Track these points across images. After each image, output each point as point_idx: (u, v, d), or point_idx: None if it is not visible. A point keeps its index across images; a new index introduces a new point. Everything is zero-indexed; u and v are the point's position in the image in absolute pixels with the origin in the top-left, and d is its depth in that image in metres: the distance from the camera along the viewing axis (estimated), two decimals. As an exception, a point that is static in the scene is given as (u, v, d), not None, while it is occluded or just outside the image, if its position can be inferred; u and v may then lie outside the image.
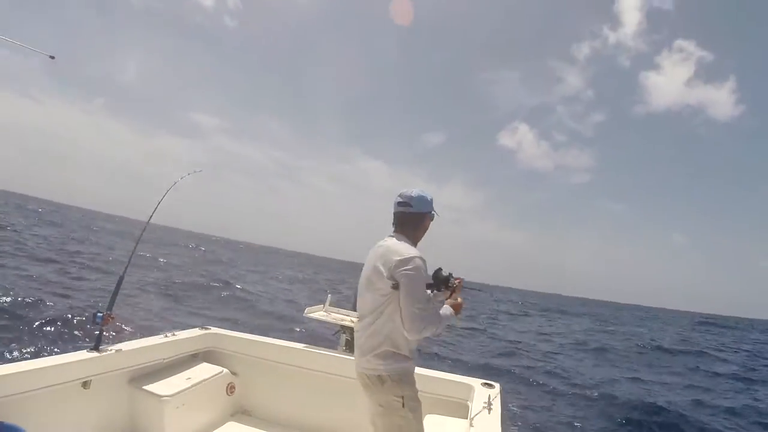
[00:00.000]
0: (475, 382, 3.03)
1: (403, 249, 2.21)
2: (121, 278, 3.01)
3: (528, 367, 8.41)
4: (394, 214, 2.38)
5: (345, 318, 3.77)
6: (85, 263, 14.57)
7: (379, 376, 2.24)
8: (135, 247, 3.19)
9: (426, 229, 2.40)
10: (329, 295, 4.00)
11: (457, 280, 2.50)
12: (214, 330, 3.74)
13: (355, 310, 3.79)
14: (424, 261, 2.19)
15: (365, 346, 2.28)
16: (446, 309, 2.32)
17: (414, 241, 2.35)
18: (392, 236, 2.36)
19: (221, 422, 3.40)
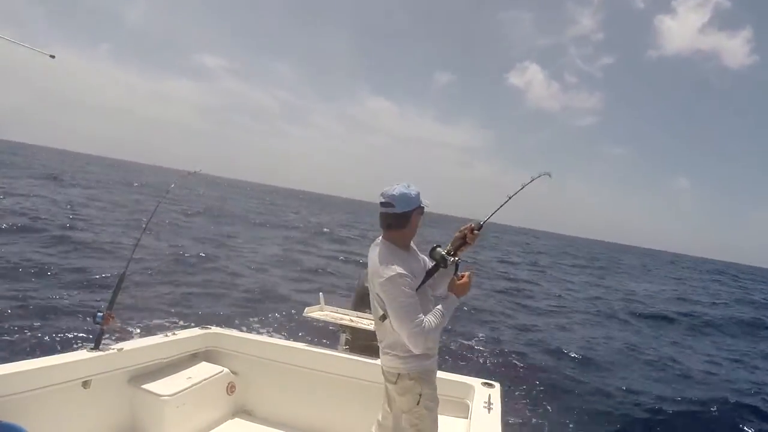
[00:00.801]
0: (475, 382, 3.03)
1: (382, 269, 2.16)
2: (122, 277, 3.02)
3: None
4: (380, 215, 2.28)
5: (344, 317, 3.77)
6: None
7: (398, 374, 2.30)
8: (136, 245, 3.19)
9: (416, 226, 2.30)
10: (321, 294, 4.00)
11: (454, 260, 2.34)
12: (214, 329, 3.75)
13: (354, 309, 3.79)
14: (402, 269, 2.13)
15: (385, 345, 2.33)
16: (448, 300, 2.30)
17: (404, 243, 2.30)
18: (379, 244, 2.31)
19: (221, 422, 3.40)
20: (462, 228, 2.37)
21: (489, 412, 2.61)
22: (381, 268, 2.17)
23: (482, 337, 8.59)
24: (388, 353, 2.32)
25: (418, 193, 2.27)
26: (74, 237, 13.27)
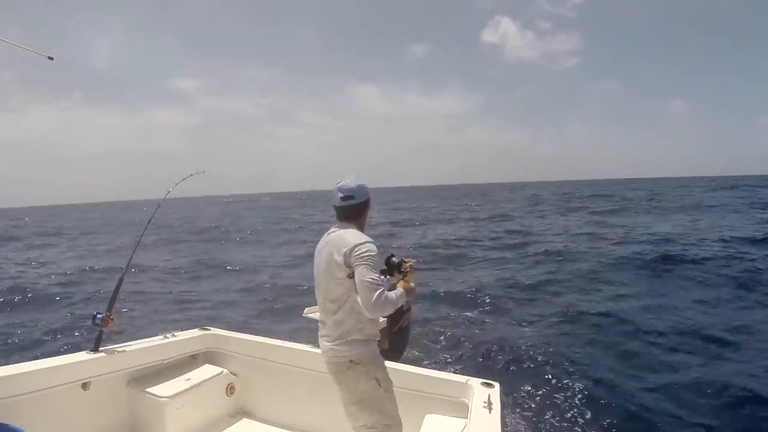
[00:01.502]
0: (475, 382, 3.03)
1: (353, 237, 2.32)
2: (121, 279, 3.02)
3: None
4: (339, 208, 2.46)
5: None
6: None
7: (351, 361, 2.36)
8: (134, 250, 3.19)
9: (367, 214, 2.53)
10: None
11: (408, 264, 2.64)
12: (214, 330, 3.75)
13: None
14: (375, 246, 2.31)
15: (332, 335, 2.40)
16: (399, 291, 2.43)
17: (361, 229, 2.45)
18: (339, 227, 2.45)
19: (221, 423, 3.40)
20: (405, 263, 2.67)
21: (489, 412, 2.61)
22: (353, 236, 2.33)
23: (482, 336, 8.59)
24: (340, 340, 2.38)
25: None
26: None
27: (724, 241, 16.13)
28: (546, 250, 16.26)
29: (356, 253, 2.26)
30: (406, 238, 19.24)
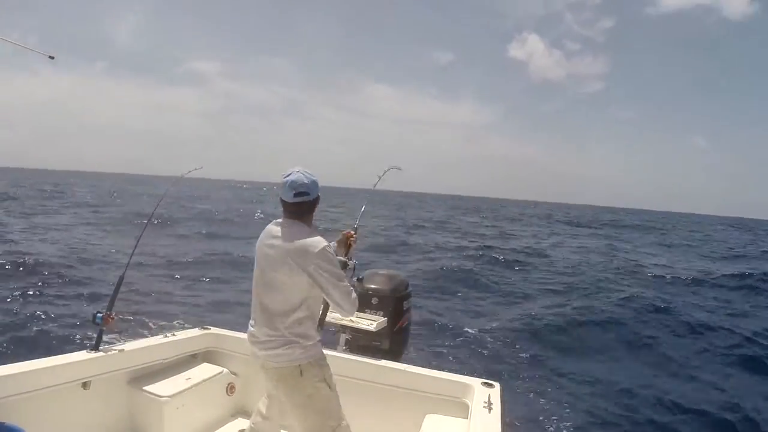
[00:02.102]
0: (475, 382, 3.02)
1: (310, 240, 2.26)
2: (122, 278, 3.02)
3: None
4: (291, 204, 2.32)
5: (344, 317, 3.77)
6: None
7: (299, 365, 2.30)
8: (136, 245, 3.19)
9: (315, 211, 2.45)
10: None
11: (352, 260, 2.81)
12: (214, 330, 3.75)
13: None
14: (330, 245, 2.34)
15: (278, 341, 2.30)
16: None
17: (310, 226, 2.39)
18: (289, 226, 2.33)
19: (221, 423, 3.40)
20: (342, 234, 2.77)
21: (489, 412, 2.60)
22: (309, 241, 2.25)
23: (482, 335, 8.58)
24: (290, 345, 2.28)
25: None
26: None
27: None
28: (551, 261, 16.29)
29: (322, 259, 2.22)
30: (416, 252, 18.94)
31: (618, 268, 16.43)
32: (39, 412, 2.51)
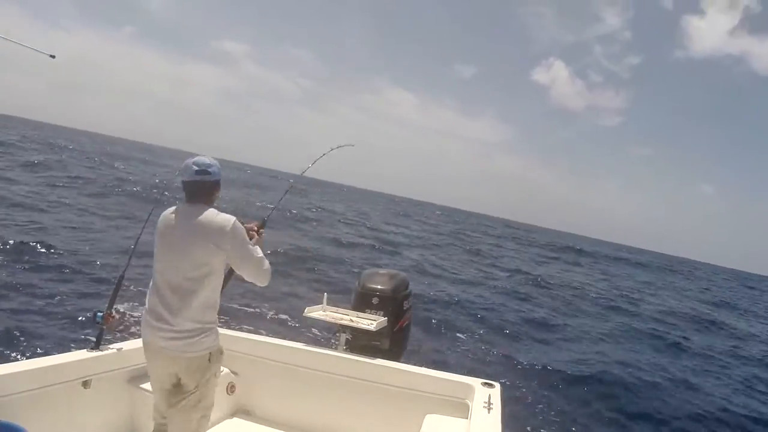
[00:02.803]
0: (475, 382, 3.02)
1: (221, 218, 2.23)
2: (122, 276, 3.02)
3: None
4: (190, 183, 2.28)
5: (344, 317, 3.77)
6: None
7: (210, 352, 2.28)
8: (136, 242, 3.19)
9: (217, 197, 2.38)
10: (326, 294, 3.99)
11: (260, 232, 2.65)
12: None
13: (354, 309, 3.79)
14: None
15: (185, 327, 2.20)
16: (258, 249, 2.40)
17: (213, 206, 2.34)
18: (192, 206, 2.29)
19: (221, 422, 3.40)
20: (247, 226, 2.50)
21: (489, 413, 2.60)
22: (219, 216, 2.24)
23: (482, 336, 8.59)
24: (199, 334, 2.21)
25: None
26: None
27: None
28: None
29: (233, 234, 2.21)
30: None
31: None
32: (39, 411, 2.51)
